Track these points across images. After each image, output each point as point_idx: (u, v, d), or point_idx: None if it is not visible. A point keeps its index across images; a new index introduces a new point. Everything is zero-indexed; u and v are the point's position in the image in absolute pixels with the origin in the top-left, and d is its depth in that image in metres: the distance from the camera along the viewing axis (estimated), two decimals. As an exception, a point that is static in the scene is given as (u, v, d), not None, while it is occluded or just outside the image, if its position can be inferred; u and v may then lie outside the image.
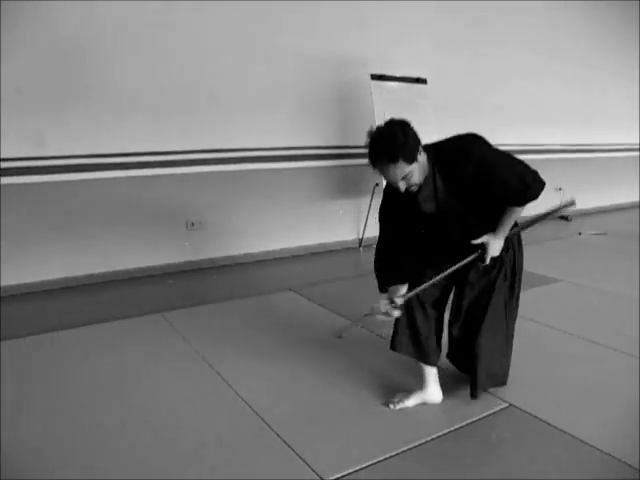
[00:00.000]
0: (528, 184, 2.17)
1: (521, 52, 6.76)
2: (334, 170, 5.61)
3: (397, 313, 2.35)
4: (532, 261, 4.83)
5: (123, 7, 4.28)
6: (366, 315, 2.43)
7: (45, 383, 2.72)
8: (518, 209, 2.27)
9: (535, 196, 2.21)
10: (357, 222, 5.83)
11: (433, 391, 2.51)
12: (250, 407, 2.46)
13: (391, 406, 2.45)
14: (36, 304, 4.03)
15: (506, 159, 2.20)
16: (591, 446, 2.14)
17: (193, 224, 4.87)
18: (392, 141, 2.06)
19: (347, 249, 5.74)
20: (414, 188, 2.18)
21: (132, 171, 4.53)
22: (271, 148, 5.18)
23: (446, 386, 2.57)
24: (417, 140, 2.12)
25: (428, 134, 5.47)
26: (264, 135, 5.13)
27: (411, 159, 2.08)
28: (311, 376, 2.79)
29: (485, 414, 2.40)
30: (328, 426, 2.34)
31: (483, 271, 2.40)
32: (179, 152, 4.71)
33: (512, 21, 6.58)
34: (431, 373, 2.51)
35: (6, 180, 4.08)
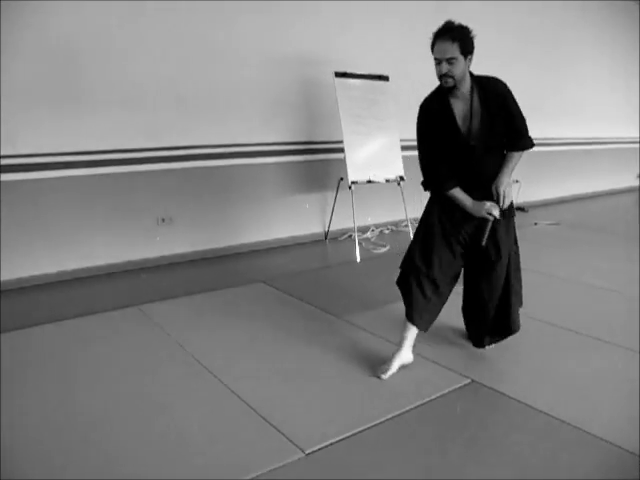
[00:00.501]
0: (528, 134, 2.71)
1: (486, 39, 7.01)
2: (300, 165, 5.75)
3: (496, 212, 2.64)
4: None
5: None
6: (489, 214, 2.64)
7: (31, 374, 2.80)
8: (517, 155, 2.70)
9: (530, 146, 2.71)
10: (323, 215, 5.99)
11: (407, 352, 2.79)
12: (230, 389, 2.60)
13: (382, 376, 2.69)
14: (11, 300, 4.07)
15: (520, 108, 2.69)
16: (547, 414, 2.36)
17: (164, 220, 4.95)
18: (461, 30, 2.54)
19: (314, 241, 5.90)
20: (450, 81, 2.57)
21: (103, 168, 4.59)
22: (238, 144, 5.29)
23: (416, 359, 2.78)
24: (473, 48, 2.57)
25: (390, 129, 5.69)
26: (231, 132, 5.24)
27: (464, 50, 2.52)
28: (287, 358, 2.94)
29: (451, 388, 2.60)
30: (305, 401, 2.49)
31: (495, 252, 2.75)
32: (149, 149, 4.79)
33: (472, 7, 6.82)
34: (412, 336, 2.79)
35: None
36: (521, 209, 7.59)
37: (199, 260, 5.14)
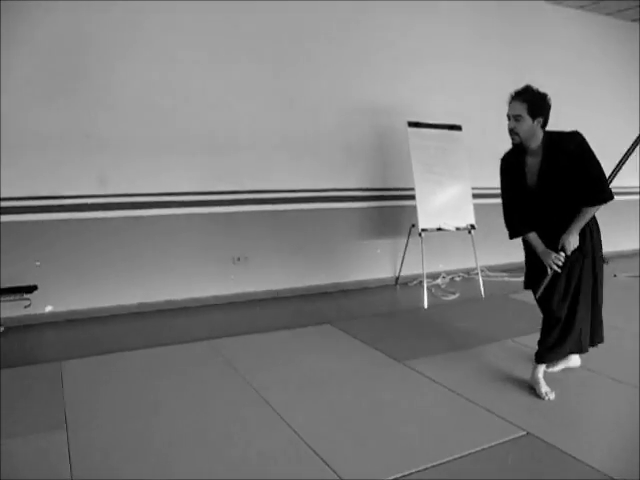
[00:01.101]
0: (605, 188, 2.78)
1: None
2: (373, 211, 5.90)
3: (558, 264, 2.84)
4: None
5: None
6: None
7: (106, 400, 3.03)
8: (591, 210, 2.81)
9: (604, 201, 2.78)
10: (394, 261, 6.07)
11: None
12: (289, 425, 2.71)
13: (546, 397, 2.93)
14: (95, 328, 4.41)
15: (597, 162, 2.79)
16: (604, 474, 2.29)
17: (239, 259, 5.21)
18: (534, 94, 2.82)
19: (384, 286, 5.97)
20: (516, 138, 2.85)
21: (186, 209, 4.95)
22: (312, 190, 5.53)
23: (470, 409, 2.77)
24: (545, 112, 2.81)
25: (462, 178, 5.74)
26: (306, 178, 5.49)
27: (532, 112, 2.77)
28: (345, 399, 3.01)
29: (505, 439, 2.58)
30: (357, 440, 2.55)
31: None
32: (229, 192, 5.12)
33: (538, 62, 6.83)
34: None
35: (69, 215, 4.56)
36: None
37: (270, 299, 5.33)
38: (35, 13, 4.31)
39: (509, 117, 2.88)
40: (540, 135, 2.88)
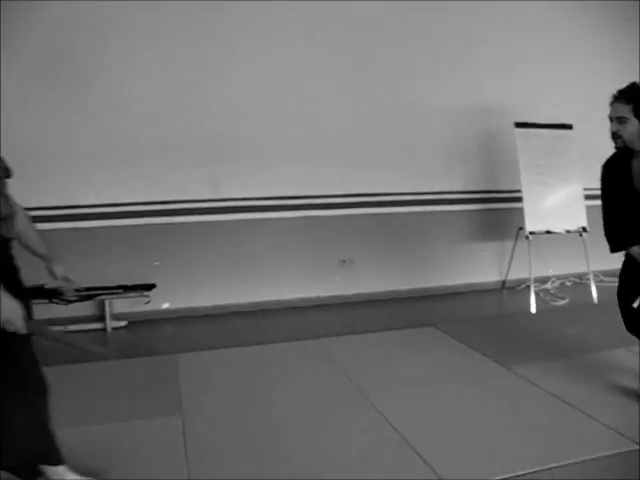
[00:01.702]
0: None
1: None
2: (479, 213, 5.83)
3: None
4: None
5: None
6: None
7: (218, 390, 3.27)
8: None
9: None
10: (500, 264, 5.96)
11: None
12: (389, 422, 2.79)
13: None
14: (211, 324, 4.74)
15: None
16: None
17: (344, 261, 5.36)
18: (634, 88, 2.62)
19: (490, 290, 5.88)
20: (619, 142, 2.66)
21: (297, 212, 5.19)
22: (417, 192, 5.56)
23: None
24: None
25: (573, 179, 5.53)
26: (409, 180, 5.54)
27: (636, 110, 2.56)
28: (448, 399, 3.05)
29: (615, 451, 2.50)
30: (459, 441, 2.59)
31: None
32: (339, 195, 5.33)
33: None
34: None
35: (186, 219, 4.94)
36: None
37: (374, 301, 5.42)
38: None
39: (611, 119, 2.70)
40: None
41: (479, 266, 5.91)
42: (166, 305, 5.01)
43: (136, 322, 4.78)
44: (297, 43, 5.11)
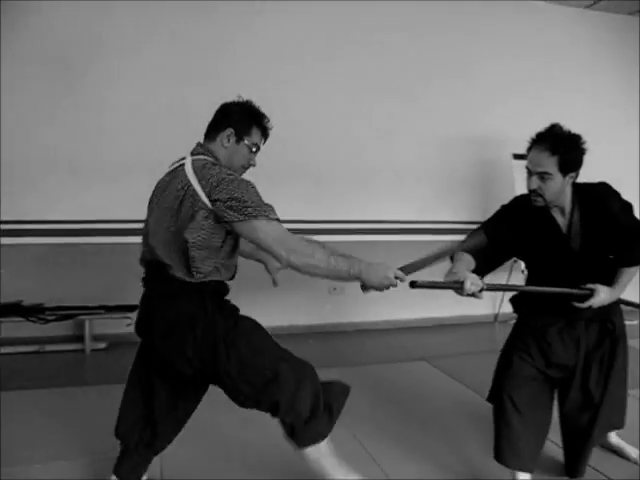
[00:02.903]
0: None
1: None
2: (472, 244, 5.72)
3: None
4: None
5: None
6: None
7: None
8: (633, 270, 2.29)
9: None
10: (493, 296, 5.85)
11: None
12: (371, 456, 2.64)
13: None
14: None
15: (636, 218, 2.29)
16: None
17: (335, 289, 5.21)
18: (568, 140, 2.16)
19: (482, 323, 5.76)
20: (539, 201, 2.20)
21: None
22: (412, 221, 5.46)
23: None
24: (578, 165, 2.19)
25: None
26: (405, 209, 5.43)
27: (564, 168, 2.13)
28: (430, 438, 2.91)
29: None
30: None
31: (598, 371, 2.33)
32: (326, 221, 5.17)
33: None
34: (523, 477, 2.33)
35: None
36: None
37: (365, 331, 5.27)
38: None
39: (530, 172, 2.19)
40: (569, 191, 2.24)
41: (471, 298, 5.77)
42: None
43: (117, 344, 4.59)
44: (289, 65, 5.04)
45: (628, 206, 2.29)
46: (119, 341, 4.62)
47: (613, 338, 2.35)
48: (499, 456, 2.33)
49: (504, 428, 2.32)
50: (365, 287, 2.04)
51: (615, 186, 2.32)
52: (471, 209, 5.68)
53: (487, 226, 2.42)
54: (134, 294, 4.52)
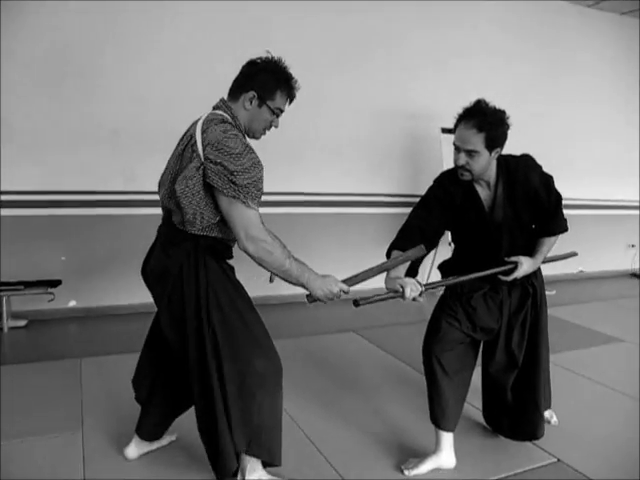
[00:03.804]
0: (562, 215, 2.42)
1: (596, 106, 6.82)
2: (402, 217, 5.77)
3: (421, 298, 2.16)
4: (596, 318, 4.88)
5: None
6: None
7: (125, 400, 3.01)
8: (553, 239, 2.44)
9: (566, 229, 2.43)
10: (422, 268, 5.93)
11: (448, 456, 2.45)
12: (306, 435, 2.67)
13: (405, 472, 2.40)
14: (111, 326, 4.42)
15: (557, 189, 2.41)
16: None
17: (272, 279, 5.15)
18: (493, 116, 2.19)
19: (411, 294, 5.85)
20: (466, 175, 2.25)
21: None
22: (342, 193, 5.46)
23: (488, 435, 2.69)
24: (504, 140, 2.24)
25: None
26: (335, 181, 5.43)
27: (490, 144, 2.18)
28: (360, 409, 2.96)
29: (534, 466, 2.50)
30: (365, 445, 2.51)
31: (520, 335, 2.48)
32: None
33: (581, 78, 6.67)
34: (448, 437, 2.46)
35: (97, 211, 4.59)
36: (636, 276, 7.13)
37: (292, 304, 5.23)
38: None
39: (457, 148, 2.22)
40: (494, 164, 2.31)
41: (400, 270, 5.86)
42: (72, 303, 4.64)
43: (37, 321, 4.40)
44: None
45: (548, 178, 2.39)
46: (40, 318, 4.44)
47: (534, 301, 2.50)
48: (433, 418, 2.47)
49: (435, 392, 2.45)
50: (311, 297, 2.05)
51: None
52: (402, 182, 5.74)
53: (417, 217, 2.45)
54: (59, 269, 4.41)
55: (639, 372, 3.66)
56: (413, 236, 2.35)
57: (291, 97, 2.14)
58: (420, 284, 2.13)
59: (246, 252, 1.94)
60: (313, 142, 5.27)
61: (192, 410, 2.18)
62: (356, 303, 2.05)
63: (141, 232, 4.63)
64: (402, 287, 2.10)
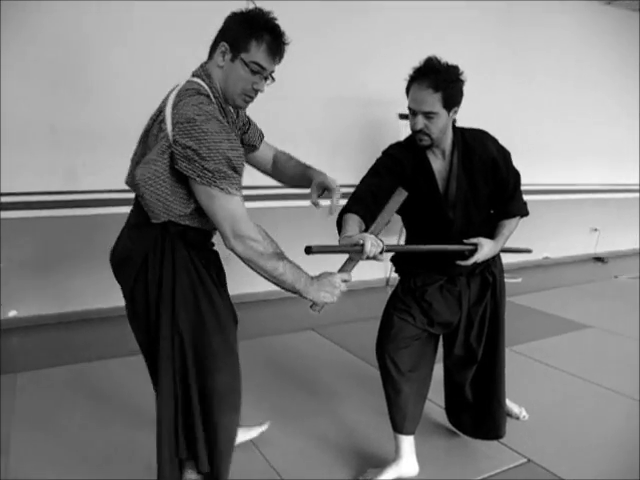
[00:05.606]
0: (524, 200, 2.27)
1: (556, 86, 6.69)
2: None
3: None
4: (562, 305, 4.76)
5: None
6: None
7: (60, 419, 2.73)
8: (513, 222, 2.25)
9: (527, 213, 2.27)
10: (384, 260, 5.76)
11: (409, 463, 2.27)
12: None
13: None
14: (59, 335, 4.11)
15: (517, 170, 2.25)
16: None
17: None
18: (447, 74, 2.00)
19: (373, 288, 5.67)
20: (426, 140, 2.06)
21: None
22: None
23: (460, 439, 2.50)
24: (461, 98, 2.06)
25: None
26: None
27: (448, 103, 2.00)
28: (316, 412, 2.73)
29: (505, 467, 2.33)
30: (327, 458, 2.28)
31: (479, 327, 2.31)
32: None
33: (544, 54, 6.55)
34: (409, 441, 2.28)
35: (37, 213, 4.23)
36: (600, 259, 7.09)
37: (254, 302, 5.00)
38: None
39: (413, 112, 2.06)
40: (450, 131, 2.13)
41: (361, 263, 5.66)
42: (13, 313, 4.28)
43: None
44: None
45: (506, 153, 2.21)
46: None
47: (494, 291, 2.31)
48: (391, 421, 2.28)
49: (392, 393, 2.26)
50: (316, 305, 1.79)
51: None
52: (359, 170, 5.51)
53: (367, 184, 2.19)
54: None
55: (609, 359, 3.55)
56: (366, 199, 2.07)
57: (274, 50, 1.76)
58: (382, 241, 1.86)
59: (233, 252, 1.67)
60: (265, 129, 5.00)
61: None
62: (309, 250, 1.70)
63: (85, 235, 4.35)
64: (362, 241, 1.80)
